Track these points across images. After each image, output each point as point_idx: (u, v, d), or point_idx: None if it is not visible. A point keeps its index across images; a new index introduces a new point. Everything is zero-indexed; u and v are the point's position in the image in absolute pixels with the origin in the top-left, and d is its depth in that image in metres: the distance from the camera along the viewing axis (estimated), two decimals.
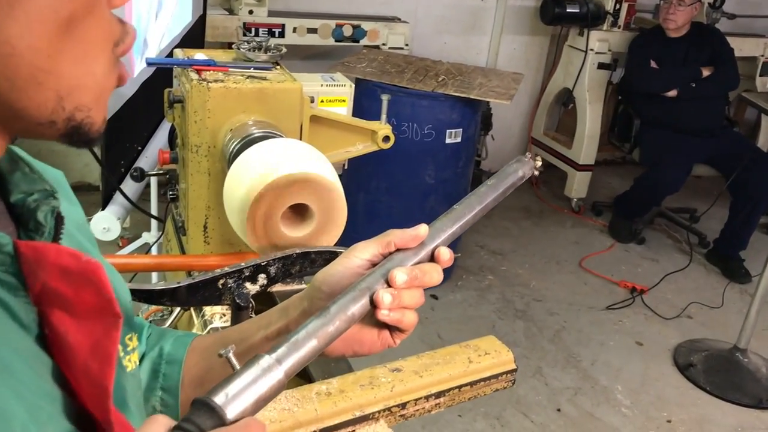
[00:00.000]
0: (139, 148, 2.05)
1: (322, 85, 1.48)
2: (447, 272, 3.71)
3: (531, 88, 4.99)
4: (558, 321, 3.37)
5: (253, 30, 3.46)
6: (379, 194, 3.28)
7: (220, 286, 0.93)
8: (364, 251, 0.72)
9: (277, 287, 1.41)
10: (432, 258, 0.73)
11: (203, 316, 1.32)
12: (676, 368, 3.06)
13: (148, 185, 2.44)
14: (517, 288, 3.63)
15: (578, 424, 2.69)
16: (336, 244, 1.21)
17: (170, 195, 1.55)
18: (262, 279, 0.98)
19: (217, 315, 1.23)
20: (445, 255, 0.74)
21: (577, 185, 4.54)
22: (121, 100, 1.84)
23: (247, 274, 0.96)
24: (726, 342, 3.15)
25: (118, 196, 1.77)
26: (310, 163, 1.09)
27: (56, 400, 0.50)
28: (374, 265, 0.71)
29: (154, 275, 2.05)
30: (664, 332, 3.33)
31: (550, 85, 4.75)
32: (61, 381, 0.51)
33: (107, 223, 1.69)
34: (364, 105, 3.22)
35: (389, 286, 0.68)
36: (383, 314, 0.67)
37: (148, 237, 2.46)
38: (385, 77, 3.12)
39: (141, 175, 1.54)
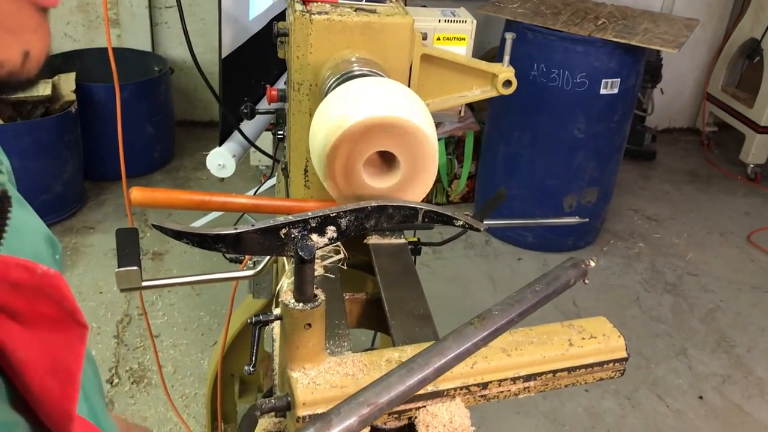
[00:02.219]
0: (267, 85, 2.01)
1: (440, 21, 1.34)
2: (591, 235, 3.43)
3: (711, 37, 4.47)
4: (713, 299, 3.03)
5: None
6: (521, 147, 3.08)
7: (283, 236, 0.85)
8: None
9: (374, 239, 1.33)
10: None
11: (293, 262, 1.26)
12: None
13: None
14: (671, 259, 3.31)
15: (722, 416, 2.41)
16: (438, 201, 1.09)
17: (278, 135, 1.50)
18: (331, 231, 0.88)
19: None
20: None
21: (756, 149, 4.04)
22: (246, 35, 1.80)
23: (314, 225, 0.86)
24: None
25: (237, 132, 1.75)
26: (401, 107, 0.97)
27: (15, 430, 0.43)
28: None
29: None
30: None
31: (735, 34, 4.22)
32: (20, 403, 0.44)
33: (222, 159, 1.67)
34: (511, 49, 3.00)
35: None
36: None
37: None
38: (537, 19, 2.88)
39: (251, 113, 1.49)
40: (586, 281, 0.74)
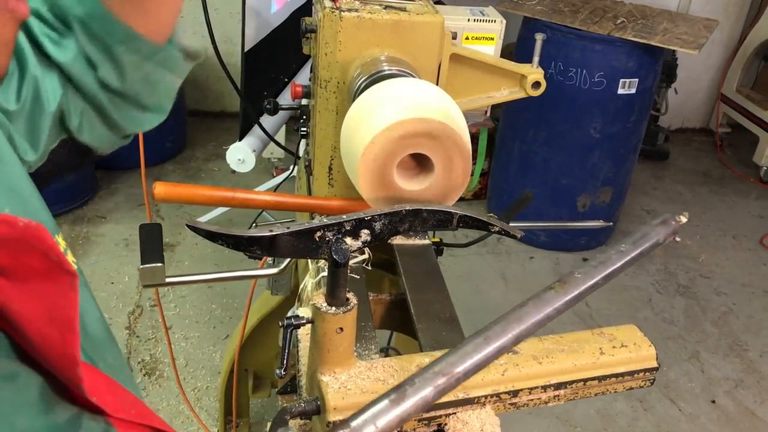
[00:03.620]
0: (286, 79, 2.00)
1: (469, 20, 1.32)
2: (604, 236, 3.40)
3: (727, 38, 4.44)
4: (726, 302, 3.02)
5: None
6: (535, 145, 3.06)
7: (317, 239, 0.84)
8: None
9: (398, 240, 1.31)
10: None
11: (317, 261, 1.26)
12: None
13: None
14: (683, 261, 3.30)
15: (735, 421, 2.40)
16: (461, 201, 1.08)
17: (301, 131, 1.48)
18: (365, 235, 0.87)
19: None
20: None
21: None
22: (268, 29, 1.79)
23: (349, 228, 0.85)
24: None
25: (257, 127, 1.73)
26: (437, 110, 0.96)
27: (16, 380, 0.43)
28: None
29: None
30: None
31: (751, 35, 4.19)
32: (24, 356, 0.45)
33: (242, 154, 1.66)
34: (530, 47, 2.97)
35: None
36: None
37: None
38: (555, 17, 2.86)
39: (274, 108, 1.48)
40: (678, 239, 0.68)
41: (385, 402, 0.55)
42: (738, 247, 3.46)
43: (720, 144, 4.46)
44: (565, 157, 3.04)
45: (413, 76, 1.13)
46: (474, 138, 3.47)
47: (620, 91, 2.86)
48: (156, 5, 0.81)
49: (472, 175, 3.41)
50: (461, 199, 3.56)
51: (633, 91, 2.88)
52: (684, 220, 0.68)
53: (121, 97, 0.80)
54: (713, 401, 2.48)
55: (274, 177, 3.43)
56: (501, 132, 3.27)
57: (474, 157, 3.43)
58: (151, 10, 0.80)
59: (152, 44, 0.81)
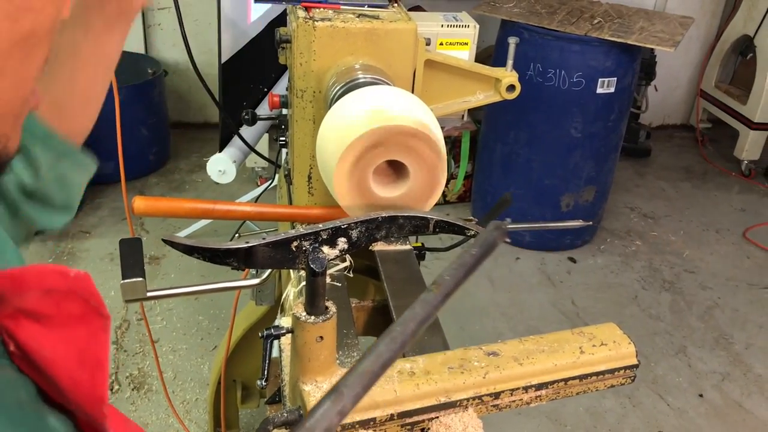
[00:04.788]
0: (265, 89, 2.01)
1: (442, 26, 1.33)
2: (589, 234, 3.41)
3: (704, 35, 4.48)
4: (711, 297, 3.04)
5: None
6: (517, 146, 3.08)
7: (294, 249, 0.84)
8: None
9: (380, 246, 1.32)
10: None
11: (298, 270, 1.26)
12: None
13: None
14: (668, 256, 3.32)
15: (723, 414, 2.42)
16: (437, 207, 1.08)
17: (280, 141, 1.49)
18: (342, 243, 0.88)
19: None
20: None
21: (750, 146, 4.05)
22: (245, 39, 1.79)
23: (325, 237, 0.86)
24: None
25: (237, 138, 1.74)
26: (410, 117, 0.96)
27: (47, 424, 0.45)
28: None
29: None
30: None
31: (728, 31, 4.23)
32: (43, 397, 0.46)
33: (223, 165, 1.67)
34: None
35: None
36: None
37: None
38: (533, 18, 2.88)
39: (253, 119, 1.48)
40: (508, 240, 0.82)
41: (327, 404, 0.59)
42: (721, 242, 3.49)
43: (701, 140, 4.50)
44: (547, 157, 3.06)
45: (387, 84, 1.14)
46: (457, 141, 3.51)
47: (599, 90, 2.89)
48: (78, 106, 0.80)
49: (455, 178, 3.44)
50: (447, 202, 3.58)
51: (612, 90, 2.91)
52: (509, 223, 0.83)
53: (33, 194, 0.79)
54: (701, 395, 2.50)
55: (259, 186, 3.43)
56: (483, 134, 3.28)
57: (457, 160, 3.48)
58: (72, 111, 0.79)
59: (69, 144, 0.80)
